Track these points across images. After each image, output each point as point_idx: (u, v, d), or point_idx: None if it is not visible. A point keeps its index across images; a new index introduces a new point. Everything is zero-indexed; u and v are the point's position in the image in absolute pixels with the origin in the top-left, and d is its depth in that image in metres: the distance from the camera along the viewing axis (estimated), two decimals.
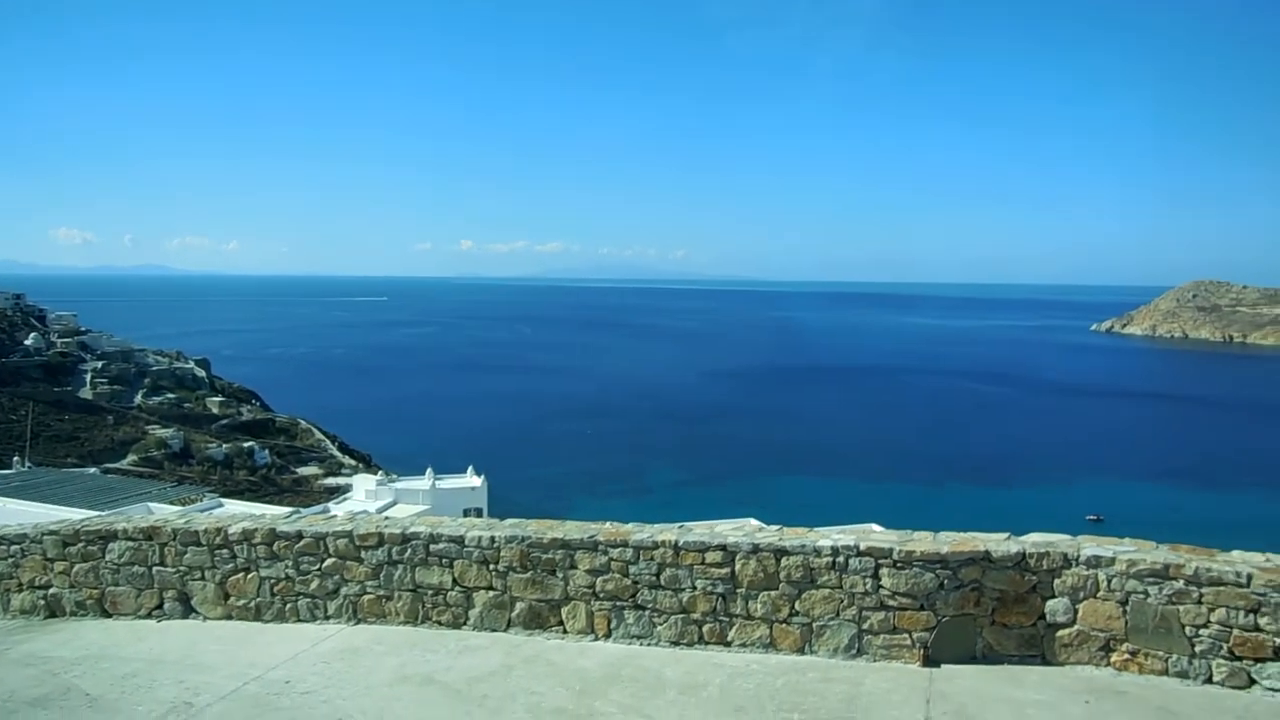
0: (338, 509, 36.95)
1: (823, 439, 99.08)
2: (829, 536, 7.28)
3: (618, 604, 7.58)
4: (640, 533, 7.62)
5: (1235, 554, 6.67)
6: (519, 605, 7.86)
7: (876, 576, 6.98)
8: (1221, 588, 6.36)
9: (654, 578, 7.46)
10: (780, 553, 7.16)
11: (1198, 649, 6.46)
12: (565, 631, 7.74)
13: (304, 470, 74.96)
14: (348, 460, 77.69)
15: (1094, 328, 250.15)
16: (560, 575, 7.73)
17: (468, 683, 6.93)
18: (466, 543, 7.96)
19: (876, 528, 7.94)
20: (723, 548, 7.28)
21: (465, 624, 8.02)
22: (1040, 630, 6.85)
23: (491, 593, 7.95)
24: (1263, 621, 6.29)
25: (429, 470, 47.02)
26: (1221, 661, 6.41)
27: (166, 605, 8.91)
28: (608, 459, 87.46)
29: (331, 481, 68.48)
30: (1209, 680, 6.43)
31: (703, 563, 7.33)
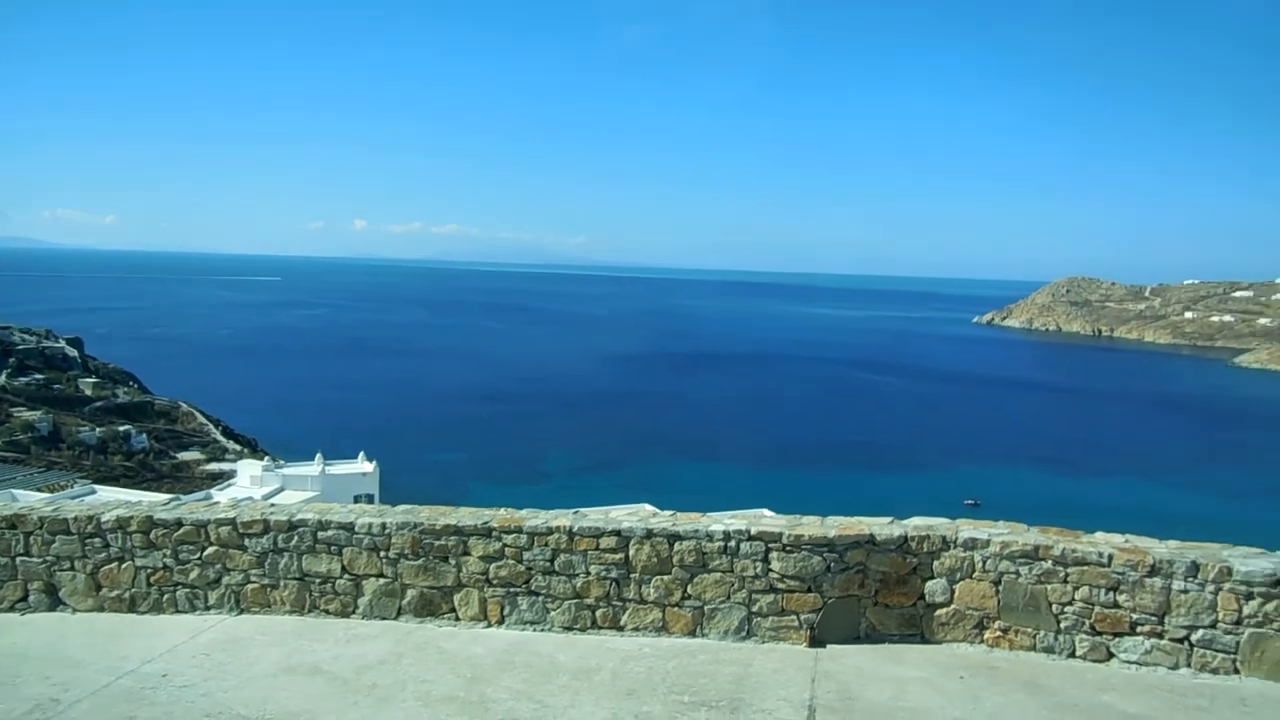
0: (221, 496, 35.69)
1: (716, 425, 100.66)
2: (721, 521, 7.41)
3: (511, 590, 7.56)
4: (535, 519, 7.61)
5: (1098, 535, 7.09)
6: (410, 593, 7.75)
7: (766, 560, 7.14)
8: (1085, 567, 6.76)
9: (548, 564, 7.46)
10: (674, 538, 7.26)
11: (1063, 625, 6.85)
12: (458, 619, 7.68)
13: (185, 455, 72.04)
14: (232, 445, 75.03)
15: (975, 320, 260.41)
16: (453, 562, 7.66)
17: (356, 671, 6.80)
18: (356, 530, 7.80)
19: (767, 513, 8.14)
20: (617, 533, 7.33)
21: (354, 612, 7.87)
22: (920, 610, 7.14)
23: (382, 580, 7.81)
24: (1121, 599, 6.71)
25: (318, 456, 45.85)
26: (1084, 637, 6.81)
27: (31, 598, 8.45)
28: (503, 444, 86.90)
29: (215, 467, 66.10)
30: (1072, 655, 6.83)
31: (597, 548, 7.37)
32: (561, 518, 7.61)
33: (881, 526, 7.25)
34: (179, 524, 8.12)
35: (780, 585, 7.14)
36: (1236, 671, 6.54)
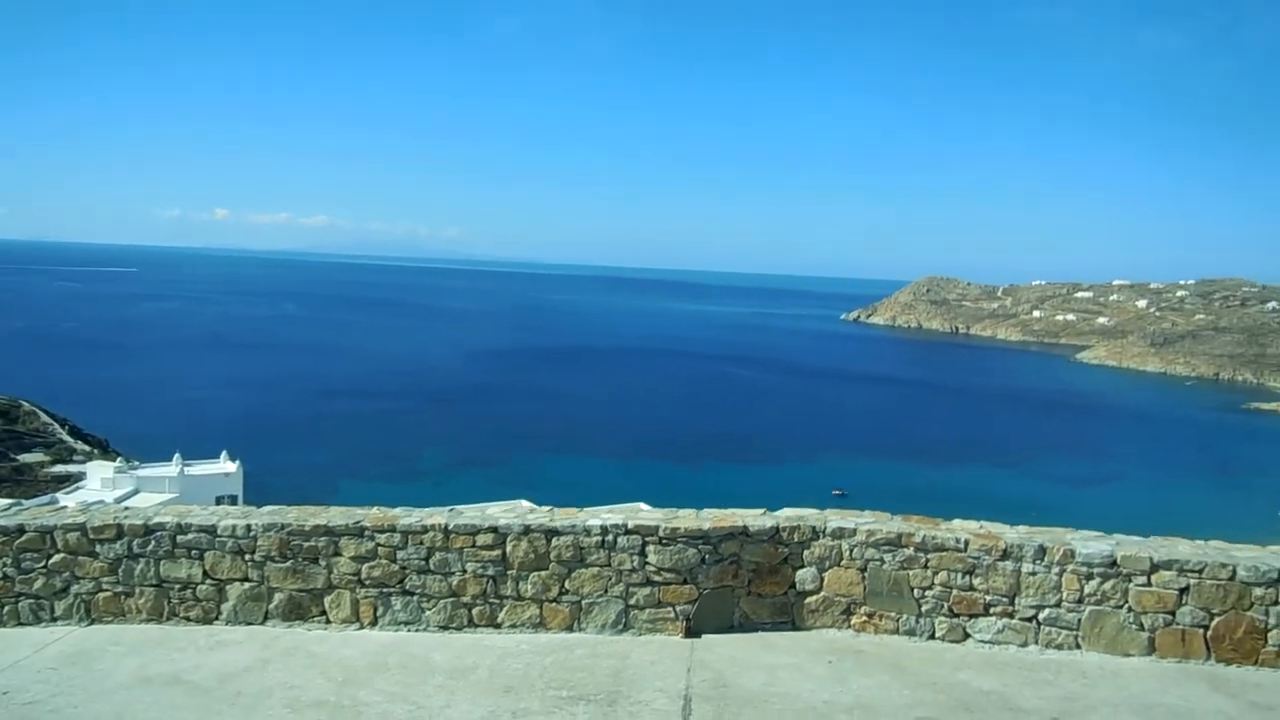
0: (68, 499, 33.57)
1: (592, 420, 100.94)
2: (599, 516, 7.46)
3: (385, 590, 7.40)
4: (409, 517, 7.47)
5: (956, 522, 7.49)
6: (278, 596, 7.49)
7: (643, 554, 7.23)
8: (944, 553, 7.13)
9: (423, 562, 7.34)
10: (551, 533, 7.26)
11: (924, 609, 7.20)
12: (329, 621, 7.46)
13: (26, 457, 67.20)
14: (81, 446, 70.47)
15: (843, 317, 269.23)
16: (323, 563, 7.44)
17: (219, 680, 6.53)
18: (219, 532, 7.48)
19: (644, 506, 8.25)
20: (494, 530, 7.28)
21: (217, 619, 7.54)
22: (791, 598, 7.37)
23: (247, 584, 7.52)
24: (976, 582, 7.11)
25: (176, 456, 43.74)
26: (943, 619, 7.18)
27: None
28: (375, 442, 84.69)
29: (61, 469, 61.92)
30: (932, 636, 7.19)
31: (473, 545, 7.29)
32: (437, 515, 7.50)
33: (754, 518, 7.44)
34: (21, 530, 7.60)
35: (657, 578, 7.24)
36: (1078, 647, 7.02)
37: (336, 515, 7.58)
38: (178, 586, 7.55)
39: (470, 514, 7.62)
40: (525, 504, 8.23)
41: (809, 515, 7.54)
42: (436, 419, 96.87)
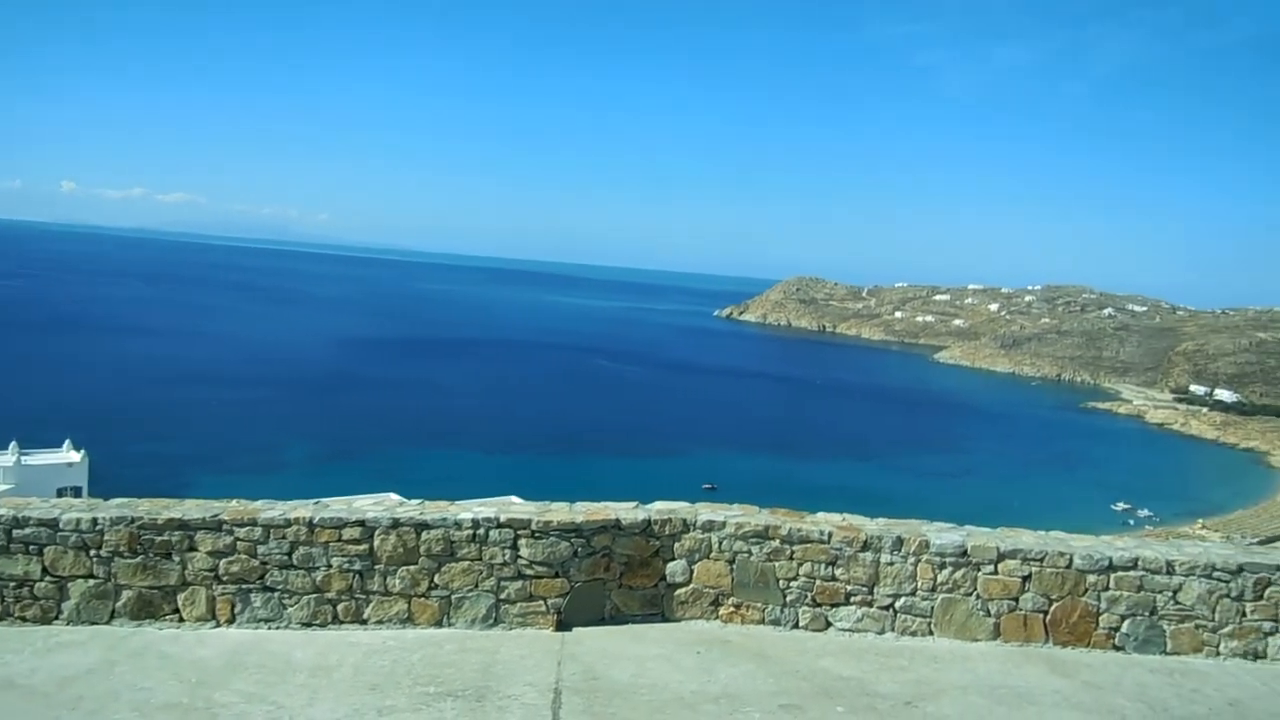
0: None
1: (465, 412, 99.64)
2: (470, 509, 7.37)
3: (244, 587, 7.10)
4: (271, 510, 7.19)
5: (820, 515, 7.75)
6: (126, 594, 7.09)
7: (515, 547, 7.18)
8: (808, 545, 7.37)
9: (286, 557, 7.08)
10: (421, 527, 7.13)
11: (788, 599, 7.43)
12: (182, 620, 7.11)
13: None
14: None
15: (716, 314, 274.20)
16: (177, 559, 7.08)
17: (59, 684, 6.13)
18: (61, 526, 7.01)
19: (517, 500, 8.20)
20: (362, 523, 7.09)
21: (57, 618, 7.08)
22: (661, 590, 7.47)
23: (92, 581, 7.08)
24: (838, 572, 7.38)
25: (13, 445, 40.85)
26: (806, 609, 7.43)
27: None
28: (235, 432, 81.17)
29: None
30: (796, 626, 7.42)
31: (340, 540, 7.08)
32: (301, 509, 7.25)
33: (627, 511, 7.50)
34: None
35: (529, 571, 7.21)
36: (931, 633, 7.39)
37: (192, 508, 7.23)
38: (13, 585, 7.05)
39: (337, 507, 7.40)
40: (394, 497, 8.05)
41: (680, 508, 7.65)
42: (301, 409, 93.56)
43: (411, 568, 7.15)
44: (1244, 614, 7.40)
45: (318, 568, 7.10)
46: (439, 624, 7.18)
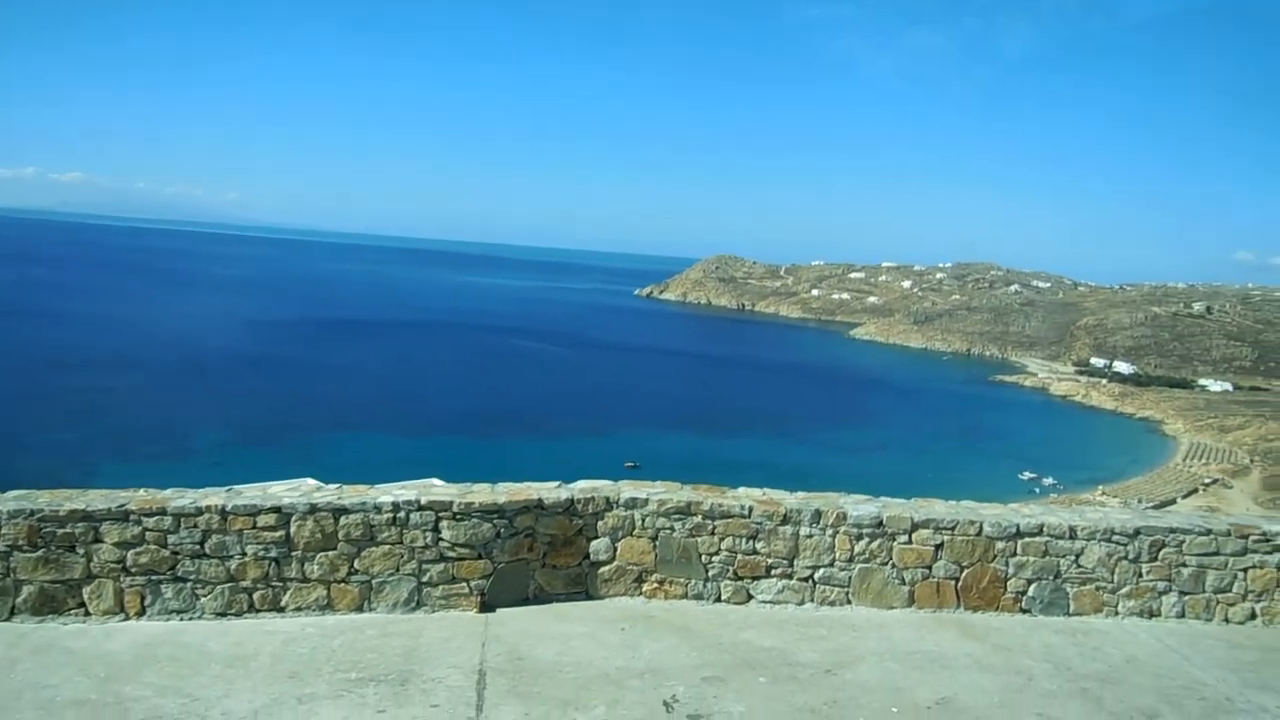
0: None
1: (383, 395, 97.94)
2: (390, 493, 7.27)
3: (154, 578, 6.88)
4: (181, 499, 6.97)
5: (741, 490, 7.87)
6: (27, 589, 6.80)
7: (437, 530, 7.12)
8: (730, 520, 7.48)
9: (198, 546, 6.88)
10: (339, 511, 7.00)
11: (710, 574, 7.53)
12: (88, 614, 6.86)
13: None
14: None
15: (637, 293, 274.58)
16: (82, 551, 6.81)
17: None
18: None
19: (438, 482, 8.08)
20: (277, 510, 6.93)
21: None
22: (585, 569, 7.50)
23: None
24: (759, 546, 7.51)
25: None
26: (728, 582, 7.55)
27: None
28: (140, 419, 78.25)
29: None
30: (719, 599, 7.54)
31: (254, 527, 6.91)
32: (213, 497, 7.06)
33: (549, 491, 7.49)
34: None
35: (451, 554, 7.15)
36: (849, 602, 7.59)
37: (97, 499, 6.96)
38: None
39: (251, 494, 7.22)
40: (311, 482, 7.88)
41: (603, 487, 7.67)
42: (210, 394, 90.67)
43: (330, 553, 7.03)
44: (1140, 575, 7.78)
45: (232, 556, 6.92)
46: (360, 609, 7.08)
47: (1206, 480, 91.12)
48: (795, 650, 6.74)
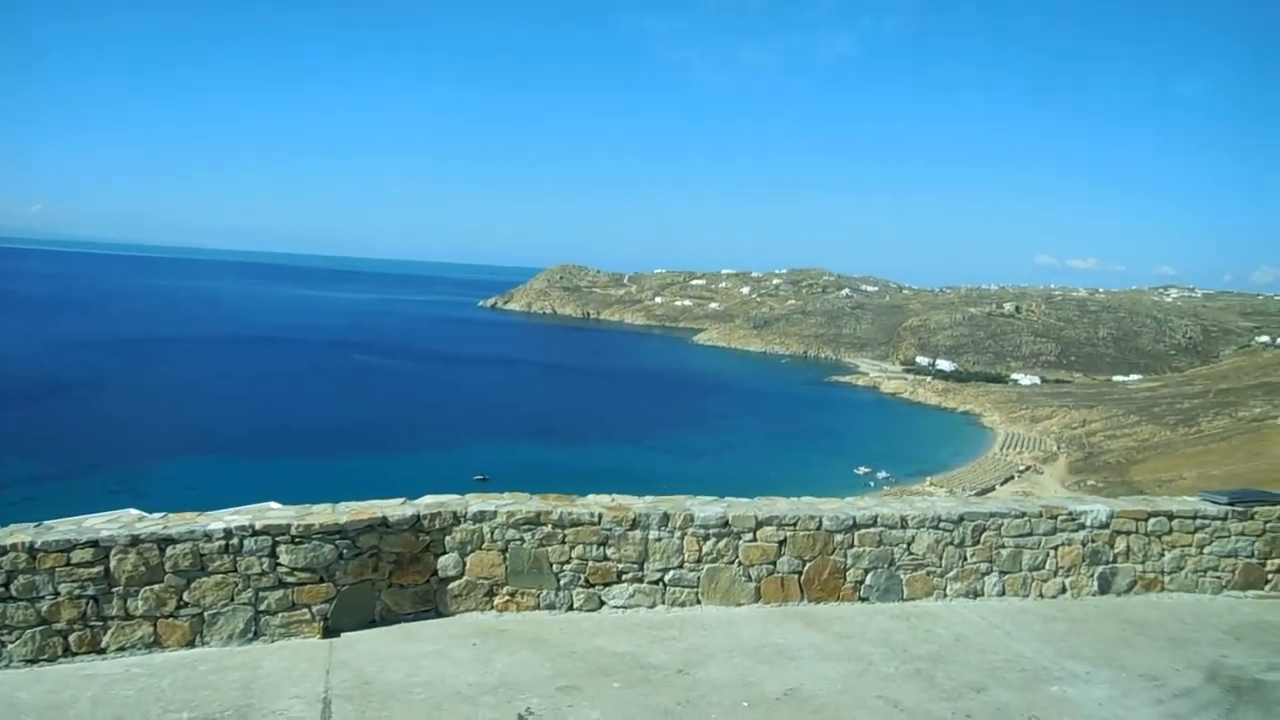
0: None
1: (214, 416, 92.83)
2: (222, 519, 6.88)
3: None
4: None
5: (590, 498, 7.90)
6: None
7: (274, 555, 6.79)
8: (580, 528, 7.49)
9: (2, 589, 6.30)
10: (165, 541, 6.56)
11: (562, 582, 7.52)
12: None
13: None
14: None
15: (480, 304, 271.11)
16: None
17: None
18: None
19: (275, 505, 7.70)
20: (94, 544, 6.42)
21: None
22: (434, 585, 7.34)
23: None
24: (609, 552, 7.56)
25: None
26: (580, 590, 7.55)
27: None
28: None
29: None
30: (571, 608, 7.53)
31: (68, 564, 6.39)
32: (19, 533, 6.48)
33: (394, 508, 7.30)
34: None
35: (290, 579, 6.84)
36: (699, 602, 7.74)
37: None
38: None
39: (64, 528, 6.67)
40: (134, 512, 7.33)
41: (450, 501, 7.53)
42: (12, 423, 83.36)
43: (156, 587, 6.58)
44: (965, 558, 8.30)
45: (43, 597, 6.37)
46: (191, 644, 6.67)
47: (1021, 467, 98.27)
48: (648, 653, 6.82)
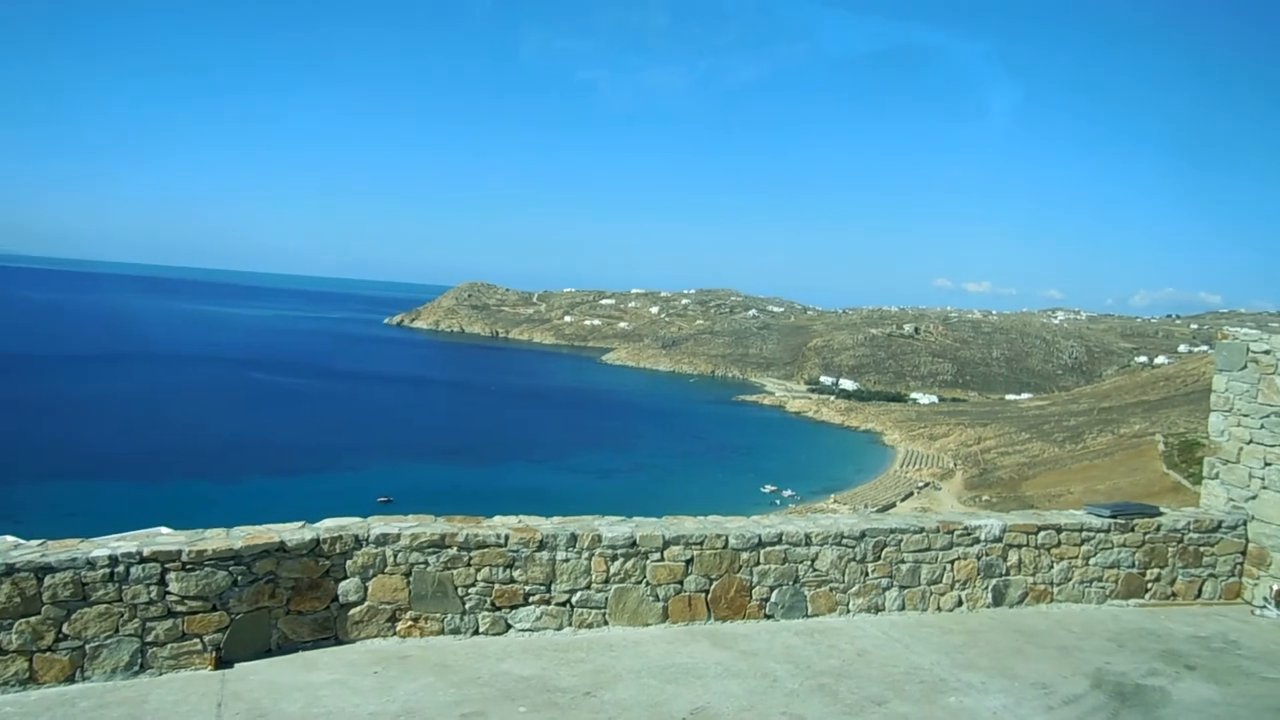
0: None
1: (100, 437, 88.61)
2: (107, 545, 6.55)
3: None
4: None
5: (497, 519, 7.79)
6: None
7: (163, 583, 6.48)
8: (486, 550, 7.38)
9: None
10: (43, 570, 6.20)
11: (468, 606, 7.39)
12: None
13: None
14: None
15: (386, 321, 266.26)
16: None
17: None
18: None
19: (165, 530, 7.37)
20: None
21: None
22: (334, 612, 7.11)
23: None
24: (516, 574, 7.46)
25: None
26: (486, 614, 7.43)
27: None
28: None
29: None
30: (477, 632, 7.40)
31: None
32: None
33: (292, 532, 7.06)
34: None
35: (180, 608, 6.54)
36: (606, 623, 7.70)
37: None
38: None
39: None
40: (10, 539, 6.90)
41: (351, 524, 7.34)
42: None
43: (33, 619, 6.20)
44: (867, 574, 8.48)
45: None
46: (71, 679, 6.30)
47: (920, 484, 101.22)
48: (555, 676, 6.75)
